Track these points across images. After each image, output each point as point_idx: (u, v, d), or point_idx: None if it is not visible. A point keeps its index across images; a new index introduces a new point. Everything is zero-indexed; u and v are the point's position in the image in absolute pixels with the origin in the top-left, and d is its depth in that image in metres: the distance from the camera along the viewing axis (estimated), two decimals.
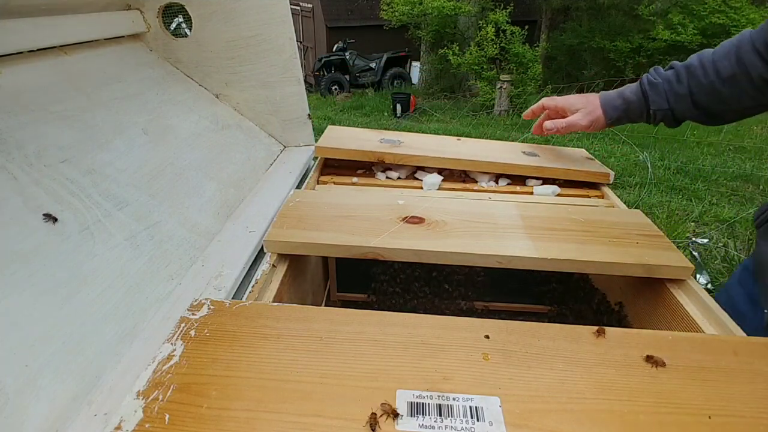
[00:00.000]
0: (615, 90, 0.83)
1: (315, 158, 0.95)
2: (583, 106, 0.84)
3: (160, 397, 0.37)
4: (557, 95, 1.02)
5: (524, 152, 0.95)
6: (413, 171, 0.92)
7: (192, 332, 0.43)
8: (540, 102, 0.90)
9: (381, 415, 0.36)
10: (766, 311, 0.70)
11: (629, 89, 0.81)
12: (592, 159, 0.96)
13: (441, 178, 0.88)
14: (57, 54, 0.74)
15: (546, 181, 0.88)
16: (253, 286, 0.59)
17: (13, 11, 0.65)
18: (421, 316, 0.47)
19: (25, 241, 0.49)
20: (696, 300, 0.57)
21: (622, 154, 4.47)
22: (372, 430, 0.35)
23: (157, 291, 0.56)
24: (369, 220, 0.66)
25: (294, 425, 0.35)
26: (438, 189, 0.86)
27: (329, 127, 1.02)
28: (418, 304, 0.86)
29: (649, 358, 0.42)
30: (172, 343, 0.42)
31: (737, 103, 0.72)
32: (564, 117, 0.86)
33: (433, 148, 0.91)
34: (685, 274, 0.59)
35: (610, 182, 0.88)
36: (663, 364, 0.41)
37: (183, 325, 0.44)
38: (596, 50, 8.89)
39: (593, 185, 0.89)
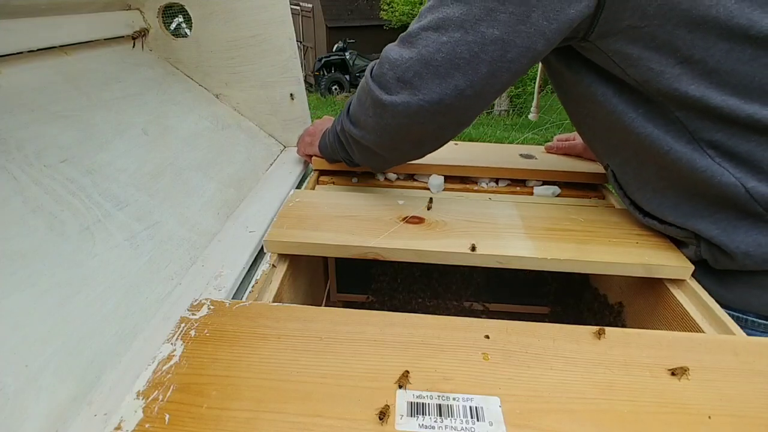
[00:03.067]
0: None
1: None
2: None
3: (160, 397, 0.37)
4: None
5: (521, 155, 0.95)
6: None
7: (192, 332, 0.44)
8: (555, 137, 1.03)
9: (396, 382, 0.38)
10: None
11: None
12: (589, 160, 0.96)
13: (442, 178, 0.88)
14: (57, 54, 0.74)
15: (546, 182, 0.88)
16: (253, 286, 0.59)
17: (13, 11, 0.65)
18: (421, 316, 0.47)
19: (25, 241, 0.49)
20: (696, 300, 0.57)
21: None
22: (380, 419, 0.35)
23: (157, 291, 0.56)
24: (369, 220, 0.66)
25: (294, 425, 0.35)
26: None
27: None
28: (417, 304, 0.86)
29: (673, 372, 0.41)
30: (172, 343, 0.42)
31: None
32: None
33: (429, 155, 0.90)
34: (685, 274, 0.59)
35: (608, 181, 0.88)
36: (685, 371, 0.41)
37: (183, 325, 0.44)
38: None
39: (592, 186, 0.89)
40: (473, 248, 0.59)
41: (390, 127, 0.60)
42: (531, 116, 1.05)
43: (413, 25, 0.56)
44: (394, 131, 0.60)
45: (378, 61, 0.60)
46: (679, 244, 0.63)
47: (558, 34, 0.52)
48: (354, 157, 0.73)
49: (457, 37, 0.52)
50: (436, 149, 0.66)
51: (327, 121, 0.90)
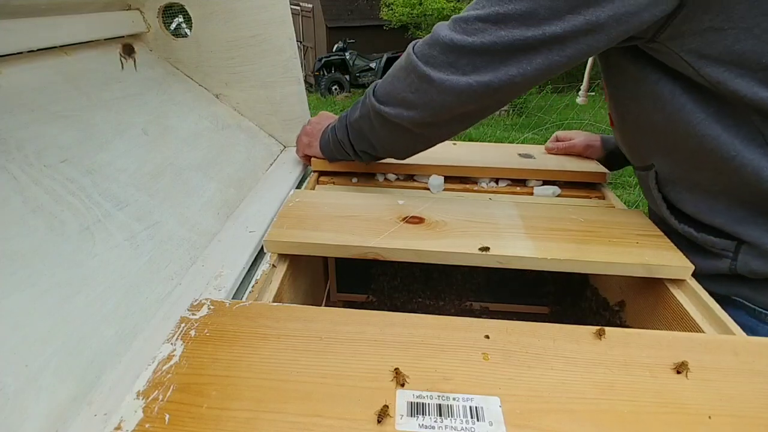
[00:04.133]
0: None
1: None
2: (584, 135, 0.97)
3: (160, 397, 0.37)
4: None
5: (520, 154, 0.95)
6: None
7: (192, 332, 0.44)
8: (554, 134, 1.02)
9: (392, 380, 0.39)
10: None
11: None
12: (589, 159, 0.96)
13: (442, 178, 0.88)
14: (57, 54, 0.74)
15: (545, 182, 0.88)
16: (253, 286, 0.59)
17: (13, 11, 0.65)
18: (421, 316, 0.46)
19: (25, 241, 0.49)
20: (696, 300, 0.57)
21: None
22: (379, 421, 0.35)
23: (157, 291, 0.56)
24: (369, 220, 0.66)
25: (294, 425, 0.35)
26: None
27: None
28: (417, 304, 0.86)
29: (679, 371, 0.41)
30: (172, 343, 0.42)
31: None
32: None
33: (428, 155, 0.90)
34: (685, 274, 0.59)
35: (607, 181, 0.88)
36: (686, 365, 0.41)
37: (183, 325, 0.44)
38: None
39: (592, 186, 0.89)
40: (486, 249, 0.59)
41: (434, 103, 0.60)
42: (579, 100, 1.05)
43: (471, 11, 0.56)
44: (438, 106, 0.60)
45: (425, 41, 0.60)
46: (709, 255, 0.62)
47: (624, 35, 0.51)
48: (374, 142, 0.72)
49: (517, 33, 0.52)
50: (471, 126, 0.67)
51: (323, 118, 0.89)
